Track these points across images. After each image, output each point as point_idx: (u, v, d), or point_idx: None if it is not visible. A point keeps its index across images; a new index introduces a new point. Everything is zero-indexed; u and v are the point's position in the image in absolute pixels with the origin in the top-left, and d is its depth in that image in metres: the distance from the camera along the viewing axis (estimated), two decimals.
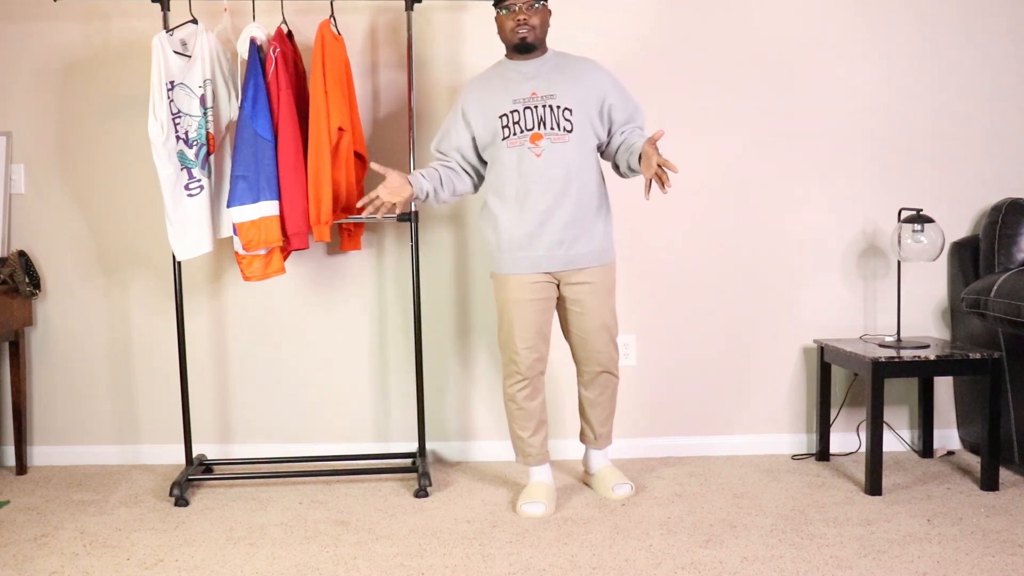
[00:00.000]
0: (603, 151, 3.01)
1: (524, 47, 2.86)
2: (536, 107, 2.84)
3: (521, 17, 2.81)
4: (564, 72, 2.90)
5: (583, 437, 3.21)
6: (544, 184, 2.84)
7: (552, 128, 2.83)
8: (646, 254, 3.53)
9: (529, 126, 2.84)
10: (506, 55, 2.96)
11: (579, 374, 3.11)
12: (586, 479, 3.26)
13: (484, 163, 3.00)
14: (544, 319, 2.96)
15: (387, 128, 3.48)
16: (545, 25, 2.88)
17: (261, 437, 3.57)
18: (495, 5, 2.88)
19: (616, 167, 2.99)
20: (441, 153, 3.01)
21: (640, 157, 2.78)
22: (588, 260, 2.92)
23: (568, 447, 3.54)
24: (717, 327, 3.57)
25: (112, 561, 2.63)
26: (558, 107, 2.84)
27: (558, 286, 2.97)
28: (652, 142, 2.71)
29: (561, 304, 3.01)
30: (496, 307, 3.01)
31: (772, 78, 3.51)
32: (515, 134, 2.84)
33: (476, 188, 3.06)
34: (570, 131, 2.84)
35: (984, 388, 3.12)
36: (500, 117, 2.85)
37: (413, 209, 3.20)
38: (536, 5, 2.83)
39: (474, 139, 2.95)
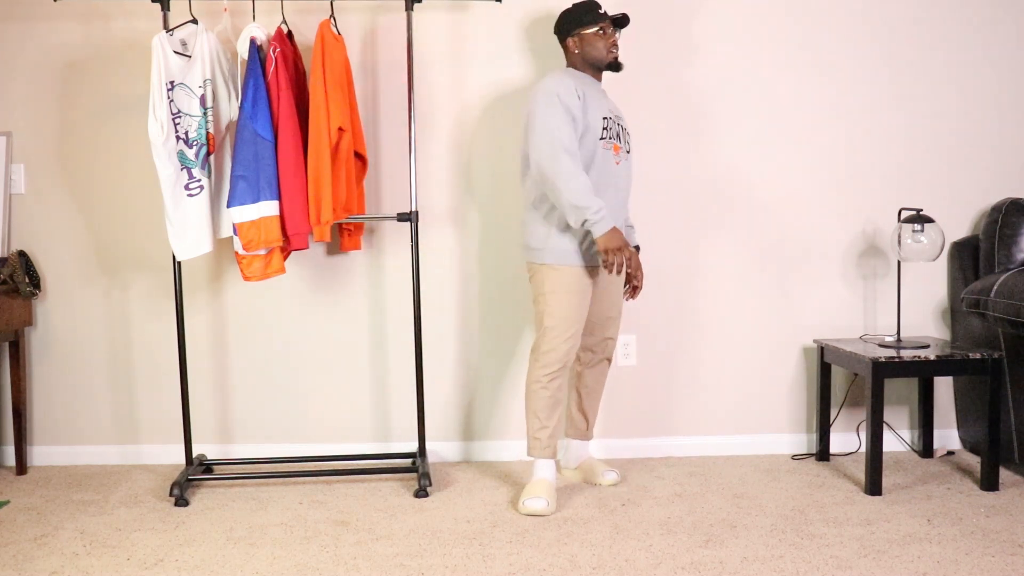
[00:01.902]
0: None
1: (616, 66, 3.10)
2: (615, 121, 3.09)
3: (613, 39, 3.07)
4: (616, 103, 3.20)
5: (573, 430, 3.33)
6: (614, 190, 3.06)
7: (623, 144, 3.10)
8: (646, 254, 3.53)
9: (613, 136, 3.06)
10: (578, 70, 3.09)
11: (583, 362, 3.25)
12: (568, 474, 3.35)
13: None
14: (585, 312, 3.08)
15: (387, 128, 3.48)
16: None
17: (261, 437, 3.57)
18: (586, 23, 3.02)
19: None
20: (572, 151, 2.92)
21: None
22: None
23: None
24: (717, 327, 3.57)
25: (112, 561, 2.63)
26: (625, 129, 3.13)
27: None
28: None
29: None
30: (546, 299, 3.00)
31: (772, 78, 3.51)
32: (608, 138, 3.04)
33: None
34: (628, 152, 3.13)
35: (984, 388, 3.12)
36: (603, 119, 3.02)
37: (414, 208, 3.20)
38: (619, 32, 3.10)
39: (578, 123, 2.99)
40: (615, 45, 3.07)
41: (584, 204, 2.84)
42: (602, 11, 3.05)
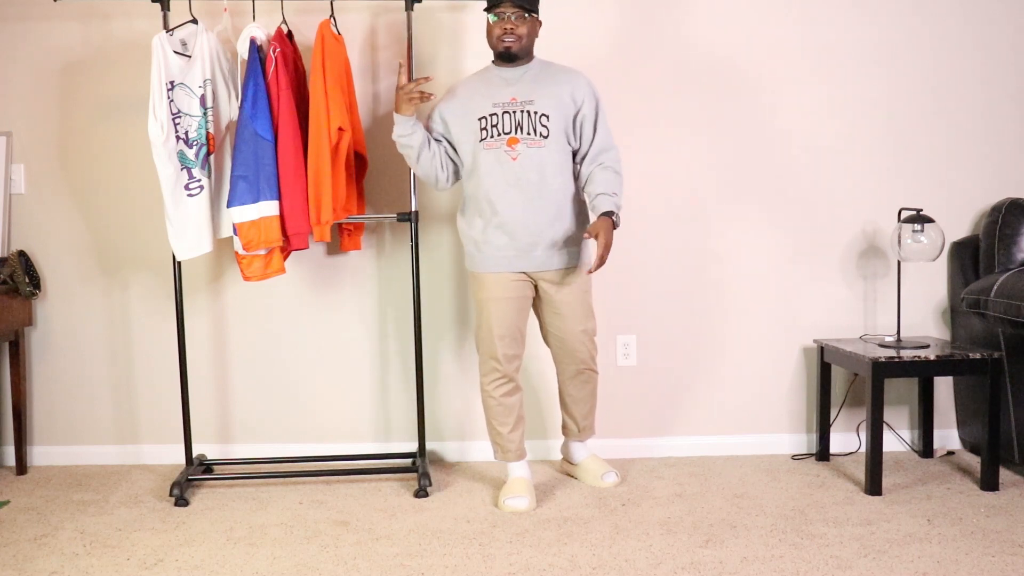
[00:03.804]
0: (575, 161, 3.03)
1: (507, 56, 2.93)
2: (514, 112, 2.90)
3: (509, 26, 2.88)
4: (545, 80, 2.96)
5: (565, 430, 3.30)
6: (519, 186, 2.90)
7: (528, 133, 2.90)
8: (646, 254, 3.53)
9: (506, 130, 2.90)
10: (492, 61, 3.03)
11: (560, 372, 3.18)
12: (568, 469, 3.35)
13: (456, 163, 3.04)
14: (521, 318, 3.02)
15: (387, 128, 3.48)
16: (532, 35, 2.95)
17: (261, 437, 3.57)
18: (486, 10, 2.93)
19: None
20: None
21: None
22: (562, 261, 2.98)
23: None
24: (717, 327, 3.57)
25: (112, 561, 2.63)
26: (535, 112, 2.90)
27: (536, 286, 3.03)
28: (594, 233, 2.83)
29: (538, 305, 3.08)
30: (473, 305, 3.07)
31: (771, 78, 3.51)
32: (492, 136, 2.91)
33: (446, 180, 3.04)
34: (546, 136, 2.91)
35: (984, 388, 3.12)
36: (479, 120, 2.92)
37: (414, 208, 3.20)
38: (526, 16, 2.89)
39: (448, 138, 3.01)
40: (508, 33, 2.86)
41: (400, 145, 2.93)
42: None
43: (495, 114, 2.91)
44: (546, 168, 2.91)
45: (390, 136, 3.46)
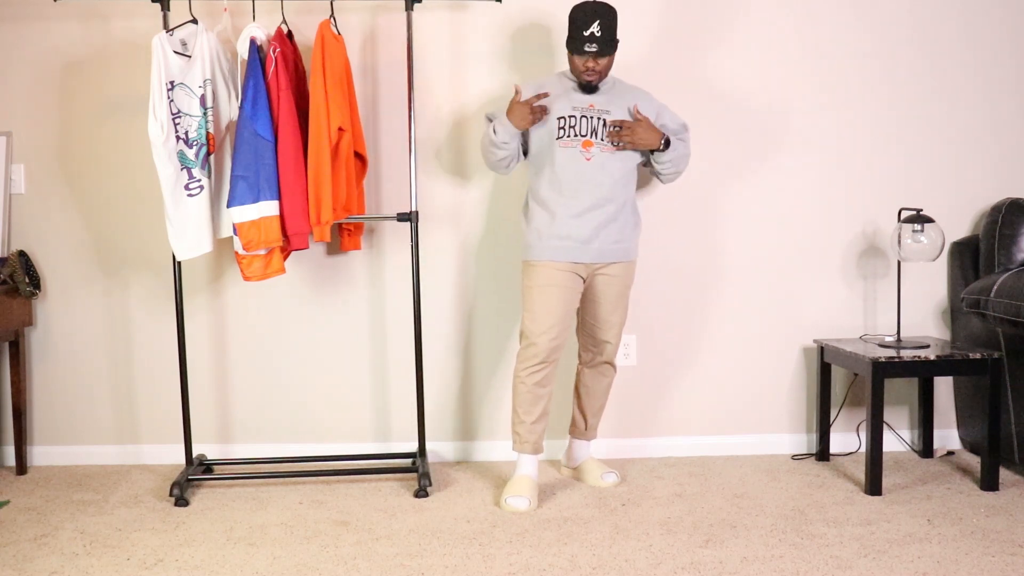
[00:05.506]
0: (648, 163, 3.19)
1: (588, 87, 3.06)
2: (592, 117, 3.04)
3: (591, 64, 3.00)
4: (621, 94, 3.12)
5: (573, 429, 3.34)
6: (589, 187, 3.03)
7: (602, 139, 3.03)
8: (647, 254, 3.53)
9: (582, 132, 3.03)
10: (571, 69, 3.10)
11: (583, 361, 3.25)
12: (569, 472, 3.38)
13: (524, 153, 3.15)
14: (568, 309, 3.08)
15: (387, 128, 3.48)
16: (610, 66, 3.05)
17: (261, 437, 3.57)
18: (567, 44, 3.00)
19: (657, 173, 3.20)
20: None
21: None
22: (615, 255, 3.10)
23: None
24: (717, 327, 3.57)
25: (112, 561, 2.63)
26: (610, 121, 3.04)
27: (584, 280, 3.10)
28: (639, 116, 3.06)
29: (583, 297, 3.15)
30: (523, 294, 3.11)
31: (771, 79, 3.51)
32: (568, 136, 3.03)
33: (513, 167, 3.14)
34: (620, 145, 3.06)
35: (984, 388, 3.12)
36: (558, 119, 3.04)
37: (414, 208, 3.20)
38: (603, 58, 3.00)
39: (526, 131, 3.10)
40: (590, 70, 3.00)
41: (486, 138, 3.03)
42: (585, 34, 2.92)
43: (573, 116, 3.04)
44: (615, 173, 3.05)
45: (390, 136, 3.47)
